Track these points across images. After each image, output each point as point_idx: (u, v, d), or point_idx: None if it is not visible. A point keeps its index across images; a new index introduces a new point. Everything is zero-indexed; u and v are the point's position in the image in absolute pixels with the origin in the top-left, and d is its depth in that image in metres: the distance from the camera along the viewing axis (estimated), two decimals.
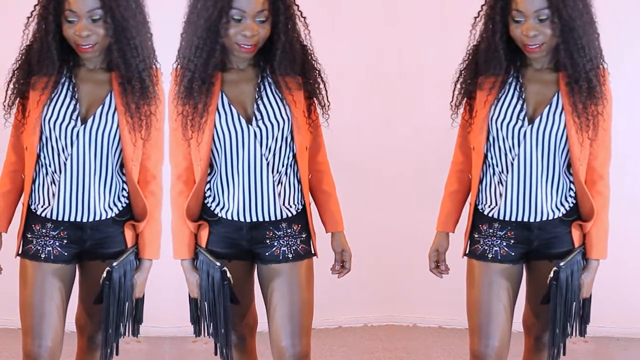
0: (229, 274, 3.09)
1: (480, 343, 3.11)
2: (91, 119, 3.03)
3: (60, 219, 3.07)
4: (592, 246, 3.14)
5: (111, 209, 3.10)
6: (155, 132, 3.09)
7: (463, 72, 3.16)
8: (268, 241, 3.11)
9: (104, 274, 3.08)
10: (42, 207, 3.08)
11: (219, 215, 3.11)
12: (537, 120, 3.07)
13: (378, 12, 5.20)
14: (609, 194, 3.16)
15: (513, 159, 3.10)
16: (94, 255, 3.11)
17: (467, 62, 3.16)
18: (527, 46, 3.02)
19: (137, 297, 3.16)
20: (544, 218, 3.12)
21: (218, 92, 3.04)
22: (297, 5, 3.08)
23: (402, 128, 5.23)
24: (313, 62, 3.12)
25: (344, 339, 5.13)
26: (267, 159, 3.07)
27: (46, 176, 3.06)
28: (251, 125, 3.05)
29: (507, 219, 3.13)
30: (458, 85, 3.16)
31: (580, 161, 3.08)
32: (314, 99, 3.12)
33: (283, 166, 3.09)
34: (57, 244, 3.08)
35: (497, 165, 3.12)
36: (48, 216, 3.07)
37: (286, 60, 3.04)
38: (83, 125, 3.02)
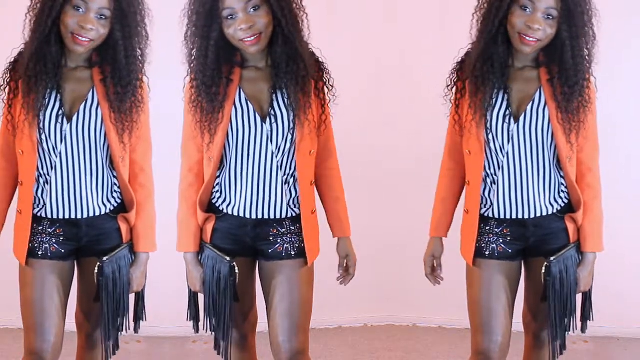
0: (237, 270, 3.11)
1: (484, 339, 3.12)
2: (75, 115, 3.04)
3: (55, 216, 3.08)
4: (586, 239, 3.15)
5: (105, 205, 3.11)
6: (140, 125, 3.10)
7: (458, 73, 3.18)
8: (272, 238, 3.12)
9: (96, 270, 3.10)
10: (37, 207, 3.08)
11: (225, 211, 3.12)
12: (521, 118, 3.09)
13: (379, 12, 5.20)
14: (599, 187, 3.17)
15: (503, 158, 3.11)
16: (90, 252, 3.12)
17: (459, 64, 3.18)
18: (524, 37, 3.02)
19: (135, 290, 3.18)
20: (538, 214, 3.13)
21: (236, 89, 3.06)
22: None
23: (403, 128, 5.22)
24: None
25: (344, 339, 5.13)
26: (277, 158, 3.08)
27: (39, 177, 3.07)
28: (265, 123, 3.06)
29: (502, 217, 3.14)
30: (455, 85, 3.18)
31: (567, 155, 3.09)
32: (322, 91, 3.12)
33: (291, 168, 3.11)
34: (54, 240, 3.09)
35: (489, 167, 3.14)
36: (43, 215, 3.08)
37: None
38: (69, 123, 3.03)
